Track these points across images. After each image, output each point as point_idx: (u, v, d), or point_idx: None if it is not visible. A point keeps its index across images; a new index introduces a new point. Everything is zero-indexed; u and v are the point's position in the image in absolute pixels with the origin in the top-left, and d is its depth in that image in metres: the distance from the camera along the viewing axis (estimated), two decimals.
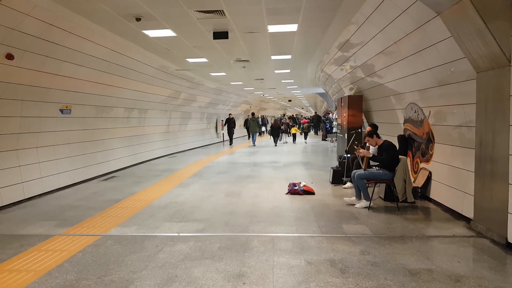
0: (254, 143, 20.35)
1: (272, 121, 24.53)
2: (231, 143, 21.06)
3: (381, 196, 6.81)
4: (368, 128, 8.31)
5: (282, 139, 22.17)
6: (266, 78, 16.74)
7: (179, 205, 6.45)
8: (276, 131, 20.21)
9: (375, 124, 8.18)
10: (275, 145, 19.85)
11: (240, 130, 27.57)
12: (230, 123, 20.65)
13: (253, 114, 21.31)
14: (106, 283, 3.49)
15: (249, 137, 21.52)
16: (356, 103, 10.61)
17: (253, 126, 20.26)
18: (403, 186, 6.03)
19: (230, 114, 21.43)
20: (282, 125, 21.91)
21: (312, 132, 30.32)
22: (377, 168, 6.36)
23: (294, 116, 37.43)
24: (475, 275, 3.59)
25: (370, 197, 6.12)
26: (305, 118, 31.42)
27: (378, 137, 6.36)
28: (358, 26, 6.93)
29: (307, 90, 24.74)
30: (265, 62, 12.04)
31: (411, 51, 6.11)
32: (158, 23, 6.92)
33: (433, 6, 4.57)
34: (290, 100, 36.84)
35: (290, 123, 23.95)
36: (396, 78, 7.53)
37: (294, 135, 22.45)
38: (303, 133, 23.72)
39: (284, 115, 34.00)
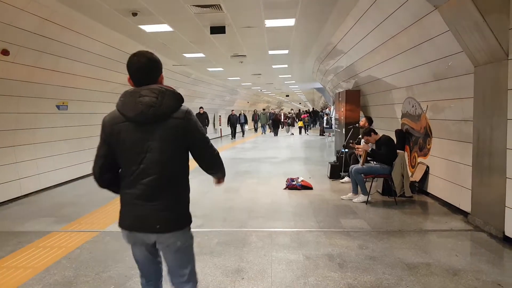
0: (264, 132, 26.57)
1: (267, 115, 27.74)
2: None
3: (378, 190, 6.83)
4: (362, 122, 8.29)
5: (289, 131, 26.74)
6: (264, 73, 16.69)
7: None
8: (277, 124, 24.48)
9: (370, 117, 8.19)
10: (275, 135, 23.70)
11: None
12: (201, 119, 15.23)
13: (263, 110, 27.99)
14: (104, 279, 3.48)
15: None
16: (354, 98, 10.61)
17: (263, 118, 26.58)
18: (401, 180, 6.03)
19: (201, 108, 16.67)
20: (289, 119, 27.98)
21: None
22: (374, 162, 6.36)
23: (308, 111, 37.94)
24: (472, 268, 3.60)
25: (368, 191, 6.13)
26: (306, 113, 32.20)
27: (376, 133, 6.36)
28: (356, 20, 6.90)
29: (305, 85, 24.73)
30: (263, 57, 12.00)
31: (409, 46, 6.09)
32: (154, 18, 6.87)
33: None
34: (287, 95, 36.83)
35: (297, 119, 28.41)
36: (393, 73, 7.51)
37: (300, 128, 26.73)
38: (304, 126, 27.66)
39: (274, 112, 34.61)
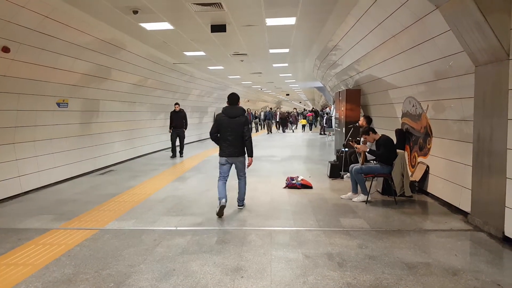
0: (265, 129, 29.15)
1: (271, 114, 29.08)
2: (181, 153, 12.70)
3: (378, 190, 6.82)
4: (361, 121, 8.27)
5: (290, 129, 28.78)
6: (264, 72, 16.67)
7: (177, 199, 6.45)
8: (284, 121, 27.73)
9: (369, 116, 8.17)
10: (283, 132, 26.85)
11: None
12: (177, 119, 12.08)
13: (271, 108, 30.38)
14: (104, 277, 3.49)
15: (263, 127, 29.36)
16: (354, 97, 10.60)
17: (268, 117, 28.58)
18: (400, 180, 6.04)
19: (176, 105, 12.23)
20: (290, 118, 29.50)
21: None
22: (374, 162, 6.36)
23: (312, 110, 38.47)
24: (472, 268, 3.60)
25: (368, 191, 6.12)
26: (311, 111, 34.03)
27: (375, 132, 6.35)
28: (357, 19, 6.89)
29: (305, 84, 24.69)
30: (263, 56, 11.98)
31: (410, 45, 6.08)
32: (155, 16, 6.86)
33: None
34: (288, 94, 36.80)
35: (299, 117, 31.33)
36: (394, 72, 7.50)
37: (304, 126, 29.90)
38: (308, 124, 30.17)
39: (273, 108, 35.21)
